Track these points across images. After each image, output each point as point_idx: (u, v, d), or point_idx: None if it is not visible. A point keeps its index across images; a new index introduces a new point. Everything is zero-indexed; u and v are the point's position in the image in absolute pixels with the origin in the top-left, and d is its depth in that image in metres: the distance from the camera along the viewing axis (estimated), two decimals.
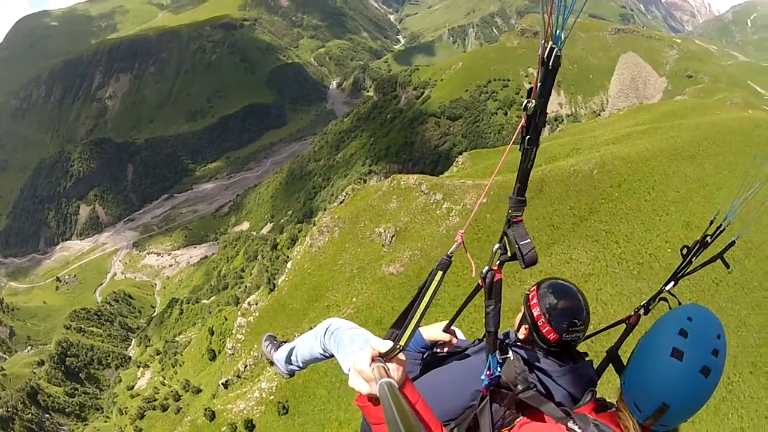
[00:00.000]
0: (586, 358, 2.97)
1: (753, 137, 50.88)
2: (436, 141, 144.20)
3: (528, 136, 1.93)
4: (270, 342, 5.02)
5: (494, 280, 2.43)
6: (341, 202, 61.97)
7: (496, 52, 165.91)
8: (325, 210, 77.03)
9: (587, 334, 2.97)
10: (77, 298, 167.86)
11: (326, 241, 55.98)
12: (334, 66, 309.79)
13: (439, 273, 2.32)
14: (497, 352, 2.67)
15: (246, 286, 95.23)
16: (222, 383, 60.53)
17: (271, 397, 49.64)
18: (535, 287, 2.95)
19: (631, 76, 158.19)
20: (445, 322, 3.39)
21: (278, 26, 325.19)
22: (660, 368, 2.07)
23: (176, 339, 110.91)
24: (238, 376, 58.58)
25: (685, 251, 3.09)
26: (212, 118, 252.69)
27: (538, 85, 1.76)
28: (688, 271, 3.13)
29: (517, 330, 3.10)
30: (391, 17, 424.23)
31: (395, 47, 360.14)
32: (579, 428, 2.24)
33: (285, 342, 4.87)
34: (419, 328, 2.70)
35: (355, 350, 3.67)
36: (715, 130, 52.63)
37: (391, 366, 2.07)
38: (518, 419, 2.63)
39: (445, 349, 3.38)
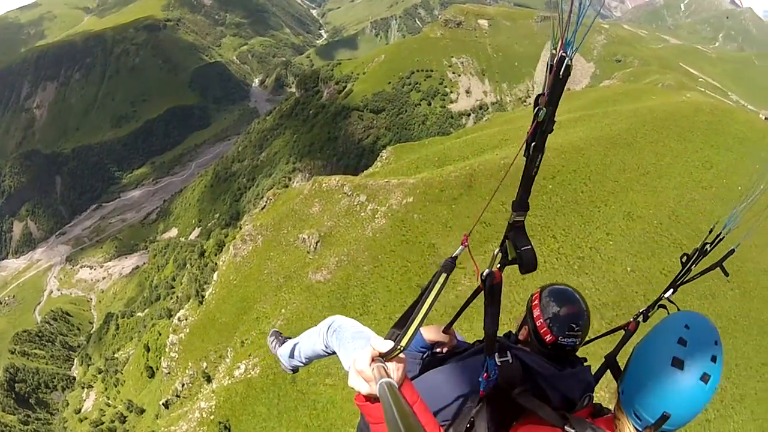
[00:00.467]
0: (585, 363, 2.90)
1: (695, 122, 49.14)
2: (360, 135, 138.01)
3: (534, 143, 1.89)
4: (275, 338, 4.92)
5: (494, 282, 2.39)
6: (263, 208, 57.32)
7: (419, 43, 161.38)
8: (247, 216, 72.39)
9: (586, 340, 2.95)
10: (18, 320, 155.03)
11: (250, 250, 51.47)
12: (256, 63, 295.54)
13: (443, 275, 2.22)
14: (496, 354, 2.59)
15: (177, 297, 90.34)
16: (162, 403, 56.36)
17: (212, 417, 45.70)
18: (539, 290, 2.96)
19: None
20: (446, 324, 3.26)
21: (201, 25, 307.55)
22: (661, 378, 2.05)
23: (115, 356, 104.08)
24: (177, 396, 54.23)
25: (684, 259, 3.05)
26: (136, 123, 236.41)
27: (547, 92, 1.74)
28: (687, 278, 3.05)
29: (518, 331, 3.08)
30: (314, 12, 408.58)
31: (318, 42, 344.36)
32: None
33: (289, 338, 4.73)
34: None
35: (357, 348, 3.48)
36: (653, 115, 50.39)
37: (391, 366, 2.03)
38: (515, 422, 2.56)
39: (444, 350, 3.24)
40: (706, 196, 39.95)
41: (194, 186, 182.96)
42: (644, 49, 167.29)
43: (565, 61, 1.61)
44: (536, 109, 1.79)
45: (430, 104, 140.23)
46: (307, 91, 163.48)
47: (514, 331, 3.16)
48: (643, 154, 44.22)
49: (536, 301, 2.87)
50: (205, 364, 51.67)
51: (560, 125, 53.05)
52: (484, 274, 2.37)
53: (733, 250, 3.05)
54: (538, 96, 1.77)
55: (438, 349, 3.25)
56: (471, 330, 28.58)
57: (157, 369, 72.05)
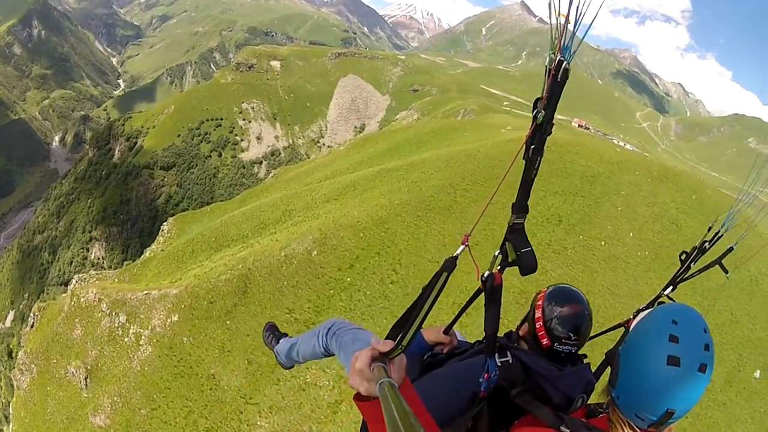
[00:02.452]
0: (585, 361, 2.61)
1: None
2: (152, 195, 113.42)
3: (533, 146, 1.70)
4: (271, 333, 4.59)
5: (494, 284, 2.18)
6: (32, 326, 43.78)
7: (210, 90, 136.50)
8: (21, 335, 54.42)
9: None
10: None
11: (29, 382, 39.55)
12: (57, 119, 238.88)
13: (444, 274, 1.98)
14: (496, 354, 2.42)
15: (2, 403, 77.16)
16: None
17: None
18: (546, 289, 2.60)
19: (351, 99, 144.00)
20: (446, 325, 2.97)
21: (10, 77, 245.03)
22: (659, 379, 1.84)
23: None
24: None
25: (683, 257, 2.91)
26: None
27: (546, 95, 1.59)
28: (686, 276, 2.89)
29: (519, 326, 2.73)
30: (114, 60, 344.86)
31: (115, 93, 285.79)
32: None
33: (286, 335, 4.45)
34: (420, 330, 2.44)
35: (357, 351, 2.77)
36: (474, 163, 36.00)
37: (392, 366, 1.86)
38: (514, 423, 2.37)
39: (445, 350, 2.93)
40: (561, 263, 27.78)
41: (3, 263, 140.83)
42: (443, 76, 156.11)
43: (563, 65, 1.47)
44: (535, 111, 1.61)
45: (220, 155, 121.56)
46: (99, 150, 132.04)
47: (514, 329, 2.80)
48: (467, 217, 30.12)
49: (540, 302, 2.53)
50: None
51: (355, 187, 39.54)
52: (485, 276, 2.13)
53: (731, 248, 2.87)
54: (537, 99, 1.61)
55: (438, 350, 2.93)
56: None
57: None
